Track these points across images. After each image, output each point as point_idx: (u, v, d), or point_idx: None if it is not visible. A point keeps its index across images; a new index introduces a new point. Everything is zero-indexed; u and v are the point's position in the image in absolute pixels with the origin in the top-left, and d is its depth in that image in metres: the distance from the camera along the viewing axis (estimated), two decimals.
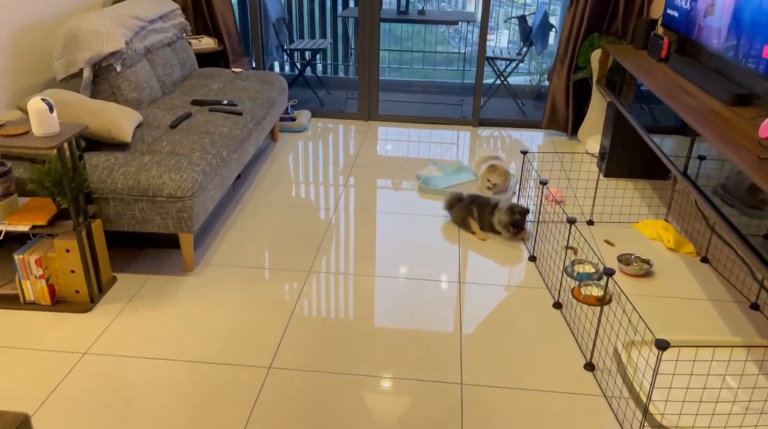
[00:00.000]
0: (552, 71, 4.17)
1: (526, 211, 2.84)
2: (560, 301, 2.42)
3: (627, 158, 3.56)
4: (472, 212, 2.96)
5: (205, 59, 4.17)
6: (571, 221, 2.30)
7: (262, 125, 3.32)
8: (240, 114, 3.13)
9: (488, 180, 3.30)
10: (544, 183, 2.55)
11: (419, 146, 4.07)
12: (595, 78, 3.95)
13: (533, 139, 4.26)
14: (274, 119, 3.67)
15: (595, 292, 2.44)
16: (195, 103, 3.22)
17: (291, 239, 2.86)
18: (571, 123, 4.17)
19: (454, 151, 3.99)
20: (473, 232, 2.94)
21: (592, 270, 2.60)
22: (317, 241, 2.85)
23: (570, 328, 2.26)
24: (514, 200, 3.28)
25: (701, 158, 2.32)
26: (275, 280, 2.52)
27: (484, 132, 4.37)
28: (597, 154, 3.85)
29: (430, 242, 2.86)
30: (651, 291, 2.51)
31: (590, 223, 3.05)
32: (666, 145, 2.67)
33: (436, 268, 2.66)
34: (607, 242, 2.88)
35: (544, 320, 2.31)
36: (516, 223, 2.82)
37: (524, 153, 2.88)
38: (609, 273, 1.88)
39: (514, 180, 3.47)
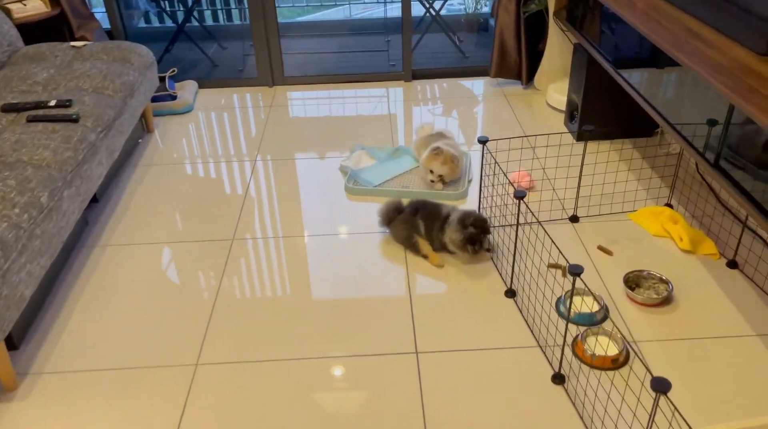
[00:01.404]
0: (497, 4, 3.29)
1: (483, 221, 2.07)
2: (561, 370, 1.70)
3: (604, 116, 2.80)
4: (418, 228, 2.17)
5: (35, 31, 3.07)
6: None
7: (116, 129, 2.36)
8: (75, 121, 2.17)
9: (430, 171, 2.49)
10: (520, 196, 1.76)
11: (341, 119, 3.19)
12: (551, 10, 3.11)
13: (480, 91, 3.44)
14: (139, 110, 2.69)
15: (607, 346, 1.73)
16: (6, 109, 2.22)
17: (171, 317, 2.00)
18: (525, 69, 3.35)
19: (386, 124, 3.13)
20: (424, 256, 2.15)
21: (595, 305, 1.89)
22: (205, 315, 2.01)
23: (585, 424, 1.56)
24: (473, 192, 2.50)
25: (721, 125, 1.58)
26: (151, 385, 1.69)
27: (420, 86, 3.51)
28: (563, 111, 3.07)
29: (364, 280, 2.07)
30: (675, 330, 1.82)
31: (574, 219, 2.32)
32: (665, 103, 1.91)
33: (378, 332, 1.88)
34: (603, 250, 2.16)
35: (541, 409, 1.59)
36: (473, 239, 2.04)
37: (483, 142, 2.07)
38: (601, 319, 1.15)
39: (468, 161, 2.68)
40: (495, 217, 2.29)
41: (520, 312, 1.90)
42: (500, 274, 2.06)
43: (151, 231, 2.35)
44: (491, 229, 2.11)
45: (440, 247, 2.15)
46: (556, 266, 2.08)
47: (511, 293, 1.97)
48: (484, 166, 2.12)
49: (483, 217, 2.09)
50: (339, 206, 2.47)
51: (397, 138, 2.98)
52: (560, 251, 1.69)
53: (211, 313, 1.96)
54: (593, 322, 1.85)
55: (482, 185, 2.18)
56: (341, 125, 3.12)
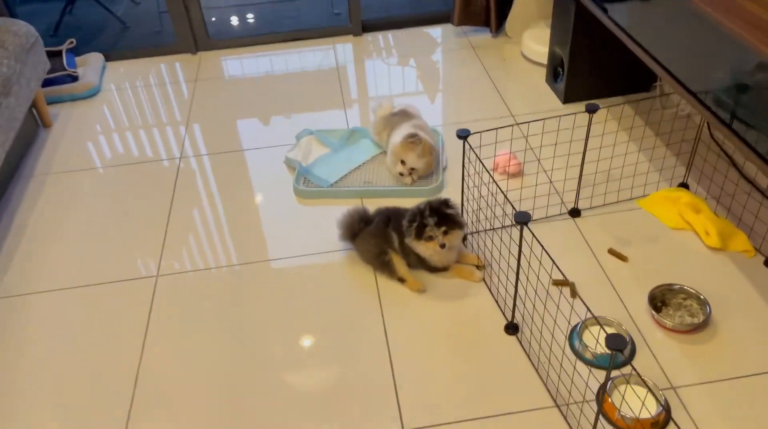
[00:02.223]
0: None
1: (442, 203, 1.66)
2: None
3: (595, 72, 2.36)
4: (391, 242, 1.73)
5: None
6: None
7: None
8: None
9: (402, 161, 2.03)
10: (522, 221, 1.33)
11: (283, 91, 2.66)
12: None
13: (443, 42, 2.93)
14: (21, 109, 2.12)
15: (644, 399, 1.37)
16: None
17: (82, 394, 1.55)
18: (494, 13, 2.84)
19: (335, 93, 2.62)
20: (400, 280, 1.73)
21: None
22: (125, 400, 1.56)
23: None
24: (451, 183, 2.06)
25: None
26: None
27: (372, 39, 2.98)
28: (543, 64, 2.61)
29: (323, 320, 1.64)
30: (720, 365, 1.47)
31: (575, 213, 1.91)
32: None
33: (347, 402, 1.48)
34: (615, 254, 1.77)
35: None
36: (421, 225, 1.64)
37: (463, 137, 1.62)
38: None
39: (440, 142, 2.22)
40: (480, 221, 1.87)
41: (527, 355, 1.52)
42: (496, 302, 1.66)
43: (53, 273, 1.85)
44: (461, 220, 1.68)
45: (416, 261, 1.73)
46: (562, 283, 1.69)
47: (512, 328, 1.58)
48: (466, 164, 1.68)
49: (443, 199, 1.67)
50: (287, 215, 2.01)
51: (351, 113, 2.48)
52: (559, 269, 1.29)
53: (132, 396, 1.51)
54: (618, 363, 1.48)
55: (464, 187, 1.75)
56: (283, 99, 2.59)
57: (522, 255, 1.40)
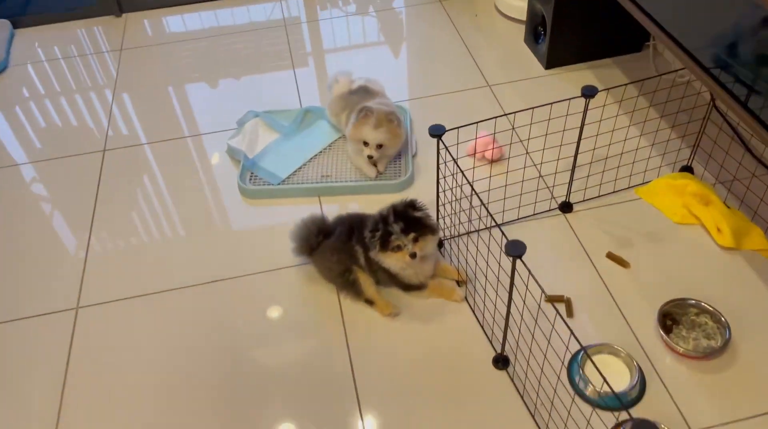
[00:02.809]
0: None
1: (408, 206, 1.40)
2: None
3: (580, 33, 2.06)
4: (356, 257, 1.46)
5: None
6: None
7: None
8: None
9: (364, 143, 1.73)
10: (516, 255, 1.06)
11: (224, 57, 2.29)
12: None
13: None
14: None
15: None
16: None
17: None
18: None
19: (285, 60, 2.26)
20: (368, 302, 1.47)
21: (624, 372, 1.29)
22: None
23: None
24: (422, 178, 1.78)
25: None
26: None
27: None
28: (521, 21, 2.29)
29: (273, 359, 1.39)
30: (742, 405, 1.26)
31: (566, 207, 1.66)
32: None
33: None
34: (614, 259, 1.53)
35: None
36: (386, 234, 1.37)
37: (437, 135, 1.32)
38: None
39: (407, 121, 1.92)
40: (456, 226, 1.60)
41: (520, 395, 1.29)
42: (482, 327, 1.42)
43: None
44: (433, 223, 1.42)
45: (386, 279, 1.47)
46: (557, 299, 1.45)
47: (502, 362, 1.34)
48: (440, 165, 1.40)
49: (409, 200, 1.40)
50: (231, 221, 1.71)
51: (303, 78, 2.14)
52: (542, 290, 1.05)
53: None
54: (628, 402, 1.26)
55: (439, 190, 1.47)
56: (224, 66, 2.23)
57: (514, 288, 1.15)
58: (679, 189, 1.64)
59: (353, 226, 1.47)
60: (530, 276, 1.08)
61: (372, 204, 1.66)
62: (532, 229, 1.62)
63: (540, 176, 1.72)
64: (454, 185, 1.47)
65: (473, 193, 1.26)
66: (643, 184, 1.69)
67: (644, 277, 1.49)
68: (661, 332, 1.34)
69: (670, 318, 1.39)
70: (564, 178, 1.67)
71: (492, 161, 1.75)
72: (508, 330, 1.29)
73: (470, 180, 1.28)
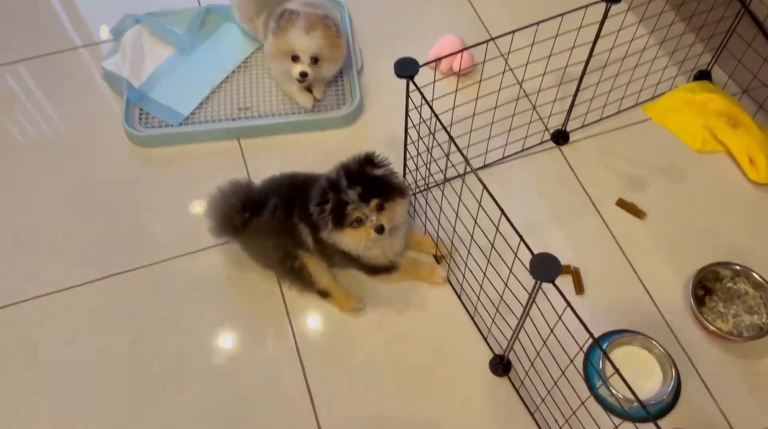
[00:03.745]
0: None
1: (365, 163, 1.00)
2: None
3: None
4: (300, 239, 1.06)
5: None
6: None
7: None
8: None
9: (293, 57, 1.25)
10: (548, 280, 0.71)
11: None
12: None
13: None
14: None
15: None
16: None
17: None
18: None
19: None
20: (323, 294, 1.10)
21: (656, 370, 1.02)
22: None
23: None
24: (372, 108, 1.34)
25: None
26: None
27: None
28: None
29: (199, 375, 1.04)
30: None
31: (561, 137, 1.29)
32: None
33: None
34: (627, 208, 1.21)
35: None
36: (342, 213, 0.99)
37: (408, 76, 0.90)
38: None
39: (345, 24, 1.43)
40: (424, 179, 1.21)
41: (529, 411, 1.01)
42: (472, 320, 1.09)
43: None
44: (400, 182, 1.05)
45: (344, 261, 1.09)
46: (562, 271, 1.14)
47: (502, 365, 1.04)
48: (410, 110, 0.98)
49: (365, 154, 1.01)
50: (117, 184, 1.25)
51: None
52: (529, 271, 0.75)
53: None
54: (662, 411, 1.00)
55: (408, 139, 1.06)
56: None
57: (530, 308, 0.82)
58: (700, 106, 1.30)
59: (293, 193, 1.06)
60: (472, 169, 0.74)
61: (314, 147, 1.26)
62: (519, 170, 1.26)
63: (533, 108, 1.32)
64: (426, 133, 1.06)
65: (451, 141, 0.87)
66: (652, 99, 1.34)
67: (664, 230, 1.18)
68: (694, 306, 1.06)
69: (700, 286, 1.11)
70: (561, 107, 1.28)
71: (460, 74, 1.32)
72: (502, 322, 0.98)
73: (446, 126, 0.88)
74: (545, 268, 0.73)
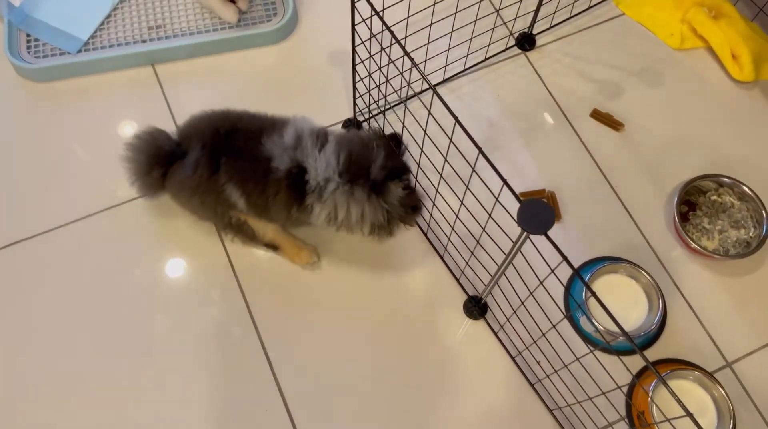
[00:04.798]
0: None
1: (394, 145, 0.84)
2: None
3: None
4: (230, 201, 0.87)
5: None
6: None
7: None
8: None
9: None
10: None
11: None
12: None
13: None
14: None
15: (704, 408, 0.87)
16: None
17: None
18: None
19: None
20: (271, 247, 0.96)
21: (641, 299, 0.94)
22: None
23: None
24: (308, 22, 1.14)
25: None
26: None
27: None
28: None
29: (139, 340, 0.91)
30: None
31: (527, 42, 1.13)
32: None
33: None
34: (602, 119, 1.08)
35: None
36: (415, 206, 0.89)
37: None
38: None
39: None
40: (377, 103, 1.04)
41: (510, 355, 0.92)
42: (442, 259, 0.98)
43: None
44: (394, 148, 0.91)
45: (294, 219, 0.95)
46: (535, 195, 1.02)
47: (478, 307, 0.94)
48: (357, 24, 0.80)
49: (394, 134, 0.86)
50: (9, 129, 1.04)
51: None
52: (509, 186, 0.67)
53: None
54: (647, 341, 0.94)
55: (356, 57, 0.88)
56: None
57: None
58: None
59: (219, 143, 0.86)
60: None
61: (243, 69, 1.08)
62: (482, 83, 1.11)
63: (496, 11, 1.14)
64: (377, 50, 0.88)
65: (407, 56, 0.71)
66: None
67: (643, 142, 1.07)
68: (678, 223, 0.98)
69: (683, 202, 1.02)
70: (527, 8, 1.11)
71: None
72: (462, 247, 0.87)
73: (400, 39, 0.73)
74: (537, 218, 0.61)
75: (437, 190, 0.82)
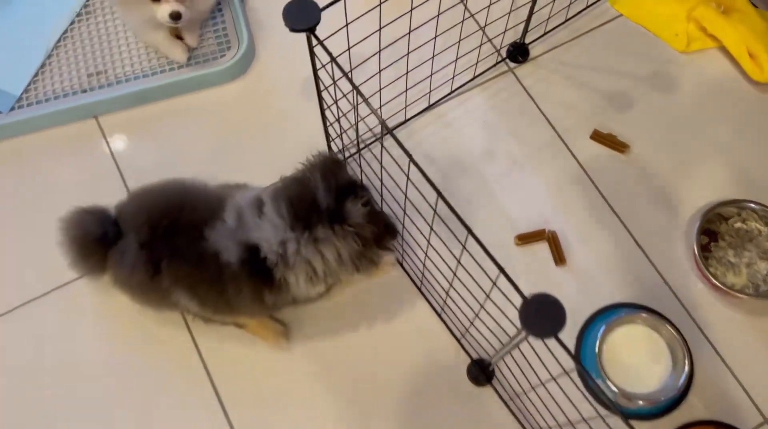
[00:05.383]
0: None
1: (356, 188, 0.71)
2: None
3: None
4: (180, 303, 0.75)
5: None
6: None
7: None
8: None
9: None
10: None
11: None
12: None
13: None
14: None
15: None
16: None
17: None
18: None
19: None
20: (236, 325, 0.85)
21: (665, 357, 0.82)
22: None
23: None
24: (265, 59, 1.01)
25: None
26: None
27: None
28: None
29: None
30: None
31: (519, 53, 1.00)
32: None
33: None
34: (604, 140, 0.96)
35: None
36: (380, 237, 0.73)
37: (306, 30, 0.60)
38: None
39: None
40: (354, 142, 0.92)
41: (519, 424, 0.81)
42: (439, 317, 0.86)
43: None
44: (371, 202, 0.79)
45: (272, 305, 0.81)
46: (535, 238, 0.90)
47: (483, 373, 0.83)
48: (318, 70, 0.68)
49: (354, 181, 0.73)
50: None
51: None
52: (501, 269, 0.55)
53: None
54: (673, 403, 0.82)
55: (323, 104, 0.76)
56: None
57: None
58: None
59: (157, 243, 0.72)
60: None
61: (198, 114, 0.96)
62: (470, 106, 0.98)
63: (482, 29, 1.00)
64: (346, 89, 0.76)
65: (365, 101, 0.59)
66: None
67: (652, 164, 0.95)
68: (699, 257, 0.86)
69: (703, 232, 0.90)
70: (517, 19, 0.97)
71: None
72: (462, 314, 0.76)
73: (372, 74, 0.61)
74: (545, 319, 0.49)
75: (429, 241, 0.70)
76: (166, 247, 0.71)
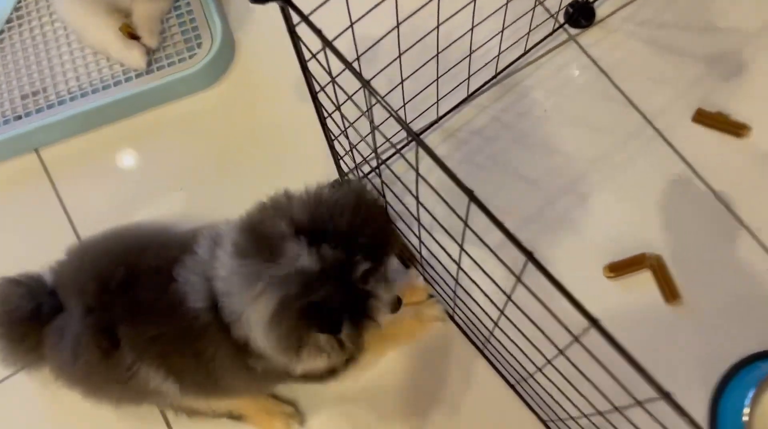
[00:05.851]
0: None
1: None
2: None
3: None
4: (150, 387, 0.52)
5: None
6: None
7: None
8: None
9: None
10: None
11: None
12: None
13: None
14: None
15: None
16: None
17: None
18: None
19: None
20: (231, 416, 0.62)
21: None
22: None
23: None
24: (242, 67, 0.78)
25: None
26: None
27: None
28: None
29: None
30: None
31: (583, 15, 0.75)
32: None
33: None
34: (713, 122, 0.70)
35: None
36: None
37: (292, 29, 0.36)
38: None
39: None
40: (366, 160, 0.68)
41: None
42: (515, 391, 0.62)
43: None
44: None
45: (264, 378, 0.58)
46: (633, 266, 0.65)
47: None
48: (307, 61, 0.45)
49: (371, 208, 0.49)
50: None
51: None
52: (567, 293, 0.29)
53: None
54: None
55: (322, 114, 0.53)
56: None
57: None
58: None
59: (111, 302, 0.51)
60: None
61: (165, 139, 0.74)
62: (525, 88, 0.73)
63: None
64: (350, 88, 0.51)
65: (380, 103, 0.35)
66: None
67: None
68: None
69: None
70: None
71: None
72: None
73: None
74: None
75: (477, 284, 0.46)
76: (122, 306, 0.50)
